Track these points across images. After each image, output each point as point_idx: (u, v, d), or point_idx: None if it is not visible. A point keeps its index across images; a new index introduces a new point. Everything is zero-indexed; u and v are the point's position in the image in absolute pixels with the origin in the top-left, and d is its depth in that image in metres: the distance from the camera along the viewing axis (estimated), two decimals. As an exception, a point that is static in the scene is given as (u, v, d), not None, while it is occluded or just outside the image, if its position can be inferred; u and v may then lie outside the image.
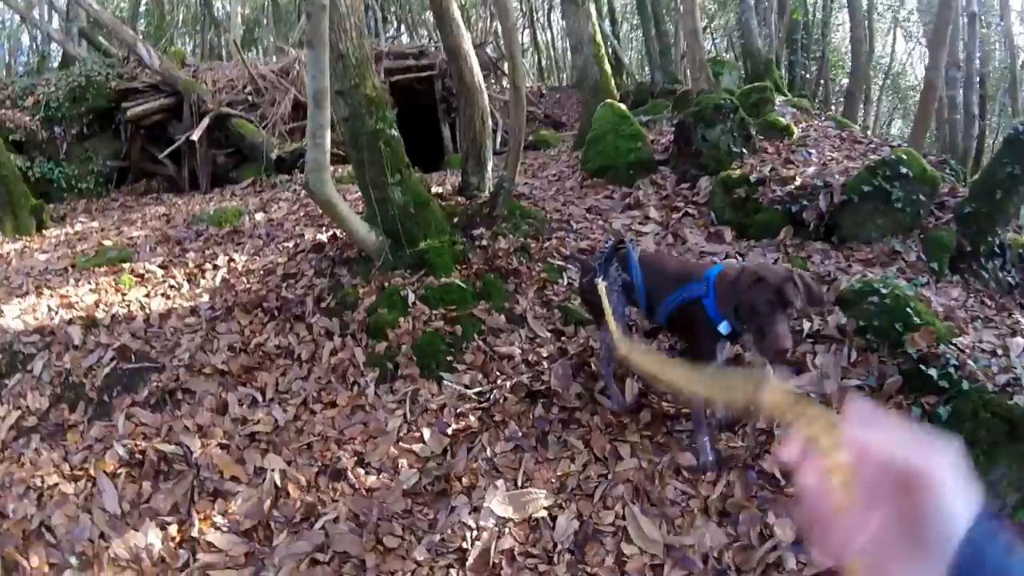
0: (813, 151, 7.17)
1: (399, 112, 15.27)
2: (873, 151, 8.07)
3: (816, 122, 9.68)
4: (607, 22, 22.15)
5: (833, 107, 17.66)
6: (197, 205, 9.41)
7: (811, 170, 6.18)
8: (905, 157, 5.68)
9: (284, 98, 11.19)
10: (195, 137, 10.42)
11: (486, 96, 6.48)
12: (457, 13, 6.32)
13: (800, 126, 8.48)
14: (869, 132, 12.51)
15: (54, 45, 15.37)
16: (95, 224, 9.11)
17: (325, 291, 5.21)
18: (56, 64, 14.60)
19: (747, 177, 6.00)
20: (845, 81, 20.52)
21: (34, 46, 15.10)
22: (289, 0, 23.24)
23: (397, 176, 5.14)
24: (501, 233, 5.56)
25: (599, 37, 9.50)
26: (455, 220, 5.79)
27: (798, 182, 5.80)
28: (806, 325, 4.33)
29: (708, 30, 26.41)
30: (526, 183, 8.03)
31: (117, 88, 12.04)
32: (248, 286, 5.72)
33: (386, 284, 4.98)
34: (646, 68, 31.87)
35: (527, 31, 28.18)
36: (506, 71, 17.04)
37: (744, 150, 7.04)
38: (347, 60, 4.83)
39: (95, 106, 12.30)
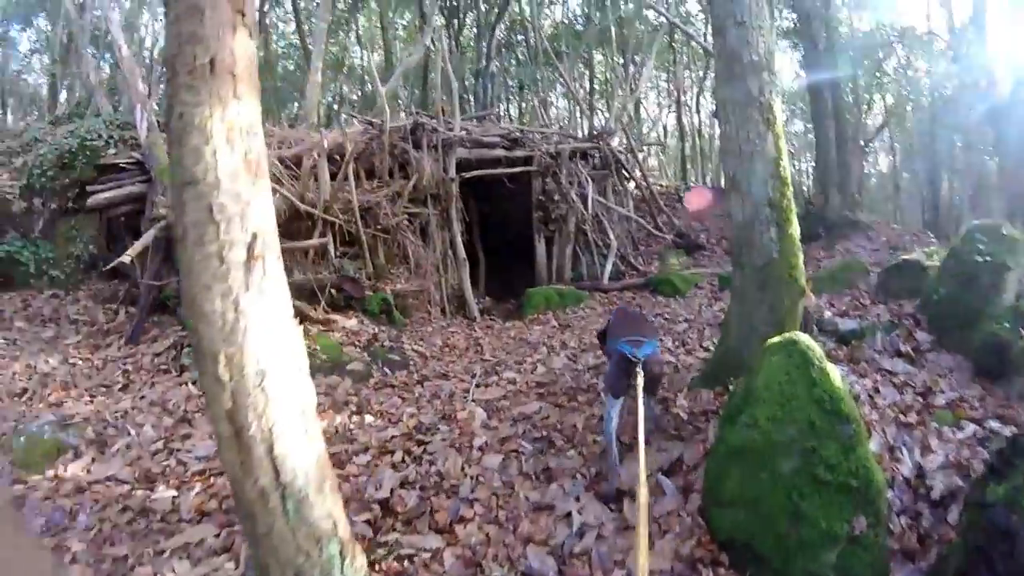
0: None
1: (482, 219, 11.23)
2: None
3: None
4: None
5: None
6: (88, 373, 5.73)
7: None
8: None
9: (275, 209, 7.35)
10: (127, 258, 6.73)
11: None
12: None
13: None
14: None
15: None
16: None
17: None
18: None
19: None
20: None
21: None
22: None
23: None
24: None
25: (785, 165, 4.67)
26: None
27: None
28: None
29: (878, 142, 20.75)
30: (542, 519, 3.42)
31: (101, 162, 8.81)
32: None
33: None
34: (798, 164, 26.52)
35: (671, 114, 23.63)
36: (633, 172, 12.57)
37: None
38: None
39: (83, 177, 9.12)
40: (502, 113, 23.14)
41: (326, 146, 7.75)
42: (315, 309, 7.11)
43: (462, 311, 9.21)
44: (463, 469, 3.94)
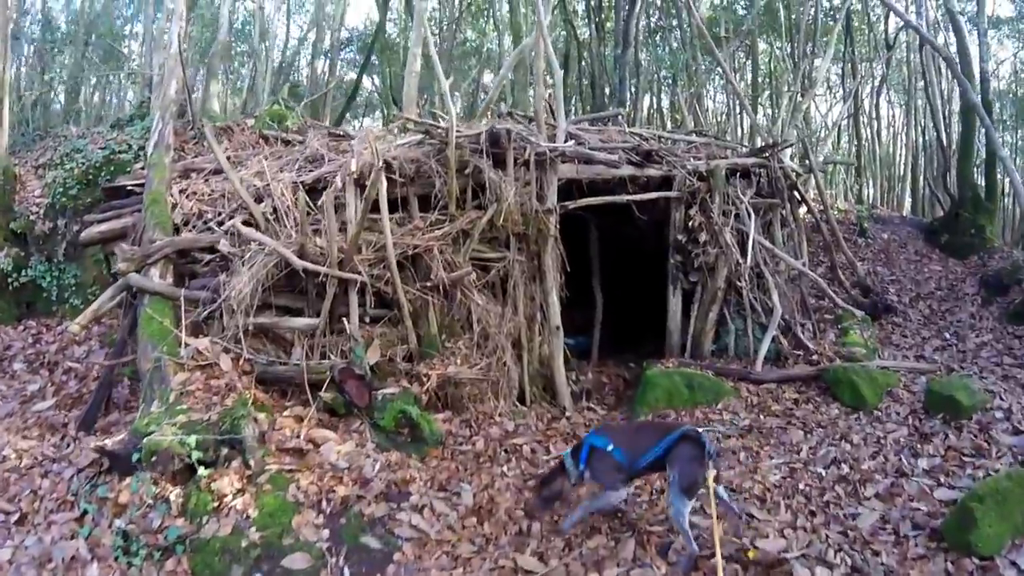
0: None
1: (604, 263, 7.29)
2: None
3: None
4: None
5: None
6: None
7: None
8: None
9: (256, 262, 4.59)
10: (74, 328, 4.48)
11: None
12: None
13: None
14: None
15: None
16: None
17: None
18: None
19: None
20: None
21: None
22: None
23: None
24: None
25: None
26: None
27: None
28: None
29: None
30: None
31: (112, 183, 6.64)
32: None
33: None
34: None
35: (848, 121, 18.20)
36: (807, 197, 8.63)
37: None
38: None
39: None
40: (653, 108, 19.24)
41: (354, 168, 4.93)
42: (301, 420, 4.32)
43: (550, 395, 6.08)
44: None
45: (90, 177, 7.16)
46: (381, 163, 4.67)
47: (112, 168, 7.09)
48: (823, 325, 7.53)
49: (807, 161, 8.69)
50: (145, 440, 3.78)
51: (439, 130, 5.53)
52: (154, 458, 3.69)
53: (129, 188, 6.28)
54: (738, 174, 7.26)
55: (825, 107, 21.43)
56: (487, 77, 20.48)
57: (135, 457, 3.78)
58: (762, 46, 16.88)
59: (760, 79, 16.34)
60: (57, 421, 5.48)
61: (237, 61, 18.76)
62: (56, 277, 7.28)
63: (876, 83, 19.12)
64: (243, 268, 4.59)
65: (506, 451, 4.84)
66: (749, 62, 16.31)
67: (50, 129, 9.56)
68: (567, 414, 5.81)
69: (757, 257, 6.73)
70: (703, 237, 6.56)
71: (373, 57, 15.79)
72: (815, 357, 6.46)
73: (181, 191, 5.68)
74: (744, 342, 6.68)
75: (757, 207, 7.13)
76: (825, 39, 15.70)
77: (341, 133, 7.79)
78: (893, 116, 22.71)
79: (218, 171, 6.14)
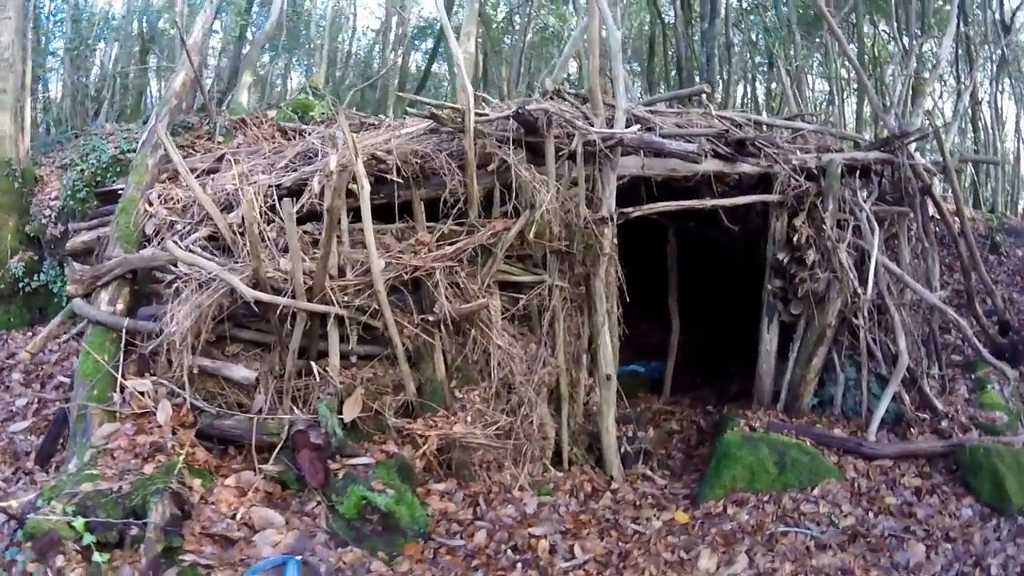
0: None
1: (683, 276, 6.42)
2: None
3: None
4: None
5: None
6: None
7: None
8: None
9: (206, 288, 3.46)
10: (24, 356, 4.67)
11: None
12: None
13: None
14: None
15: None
16: None
17: None
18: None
19: None
20: None
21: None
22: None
23: None
24: None
25: None
26: None
27: None
28: None
29: None
30: None
31: (102, 190, 5.86)
32: None
33: None
34: None
35: (966, 107, 15.06)
36: (939, 203, 6.62)
37: None
38: None
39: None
40: (748, 97, 17.01)
41: (333, 167, 3.72)
42: (244, 493, 3.17)
43: (595, 458, 4.65)
44: None
45: (98, 179, 6.36)
46: (359, 160, 3.40)
47: (119, 168, 6.26)
48: (950, 371, 5.64)
49: (940, 159, 6.69)
50: (28, 517, 2.78)
51: (452, 114, 4.20)
52: (30, 543, 2.67)
53: (120, 192, 5.42)
54: (857, 173, 5.50)
55: (935, 96, 18.28)
56: (572, 66, 18.95)
57: (14, 536, 2.80)
58: (865, 28, 14.44)
59: (865, 64, 13.92)
60: (22, 448, 4.68)
61: (316, 54, 18.28)
62: (66, 282, 6.63)
63: (994, 69, 15.95)
64: (189, 295, 3.48)
65: (515, 547, 3.43)
66: (855, 45, 13.91)
67: (86, 128, 9.05)
68: (613, 485, 4.36)
69: (880, 285, 4.98)
70: (811, 256, 4.86)
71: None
72: (944, 423, 4.68)
73: (159, 196, 4.69)
74: (855, 396, 4.94)
75: (881, 217, 5.35)
76: (935, 19, 13.23)
77: (375, 123, 6.65)
78: (1007, 108, 19.10)
79: (210, 171, 5.12)
